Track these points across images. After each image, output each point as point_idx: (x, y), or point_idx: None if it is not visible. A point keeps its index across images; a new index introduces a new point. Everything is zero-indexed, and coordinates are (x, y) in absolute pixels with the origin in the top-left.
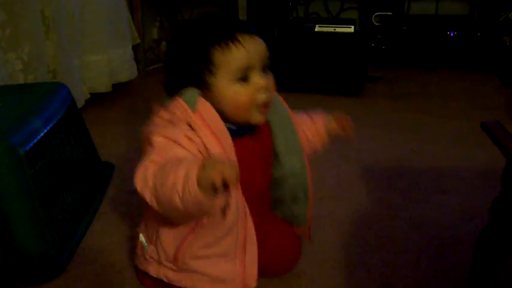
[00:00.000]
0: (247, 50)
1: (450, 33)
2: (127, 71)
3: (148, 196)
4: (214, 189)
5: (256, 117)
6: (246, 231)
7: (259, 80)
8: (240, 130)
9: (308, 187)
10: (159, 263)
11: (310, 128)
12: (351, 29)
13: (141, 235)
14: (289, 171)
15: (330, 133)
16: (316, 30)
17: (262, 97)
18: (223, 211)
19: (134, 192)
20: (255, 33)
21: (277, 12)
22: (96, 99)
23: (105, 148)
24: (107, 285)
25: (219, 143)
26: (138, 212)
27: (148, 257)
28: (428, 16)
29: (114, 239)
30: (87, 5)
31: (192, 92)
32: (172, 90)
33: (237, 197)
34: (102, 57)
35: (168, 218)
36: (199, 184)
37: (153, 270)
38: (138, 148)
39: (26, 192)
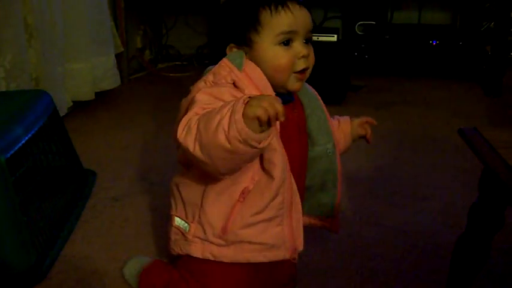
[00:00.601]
0: (295, 17)
1: (432, 42)
2: (110, 79)
3: (191, 143)
4: (261, 125)
5: (294, 84)
6: (292, 191)
7: (301, 47)
8: (281, 96)
9: (337, 174)
10: (204, 240)
11: (337, 130)
12: (334, 38)
13: (176, 218)
14: (322, 150)
15: (355, 137)
16: None
17: (301, 63)
18: (270, 172)
19: (116, 199)
20: (304, 5)
21: None
22: (79, 107)
23: (87, 156)
24: None
25: None
26: (119, 220)
27: (190, 237)
28: (411, 25)
29: (95, 246)
30: (69, 13)
31: (238, 53)
32: (217, 54)
33: (282, 155)
34: (85, 65)
35: (212, 171)
36: (245, 117)
37: (196, 250)
38: (123, 155)
39: (6, 199)
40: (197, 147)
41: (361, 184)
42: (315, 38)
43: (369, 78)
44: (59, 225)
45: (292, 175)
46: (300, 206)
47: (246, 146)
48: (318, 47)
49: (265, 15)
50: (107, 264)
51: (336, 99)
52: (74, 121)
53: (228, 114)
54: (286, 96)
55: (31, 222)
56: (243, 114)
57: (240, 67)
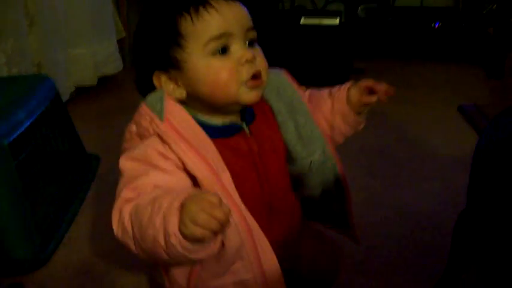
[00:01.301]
0: (222, 16)
1: (435, 25)
2: (112, 64)
3: (132, 246)
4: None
5: (246, 95)
6: (259, 253)
7: (241, 51)
8: (228, 127)
9: (340, 179)
10: None
11: (331, 113)
12: (337, 21)
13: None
14: (305, 164)
15: (359, 110)
16: (301, 22)
17: (247, 70)
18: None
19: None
20: None
21: (263, 5)
22: (81, 93)
23: (90, 141)
24: (91, 274)
25: (199, 156)
26: None
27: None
28: (413, 8)
29: (99, 229)
30: None
31: (157, 94)
32: (143, 86)
33: (234, 219)
34: (87, 50)
35: None
36: (183, 235)
37: None
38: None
39: (10, 183)
40: (140, 252)
41: (362, 165)
42: (316, 22)
43: (371, 62)
44: (62, 209)
45: (259, 230)
46: (274, 263)
47: (195, 255)
48: (320, 30)
49: (186, 24)
50: (110, 246)
51: (339, 83)
52: (77, 106)
53: (162, 234)
54: (234, 126)
55: (35, 206)
56: (180, 232)
57: (161, 115)
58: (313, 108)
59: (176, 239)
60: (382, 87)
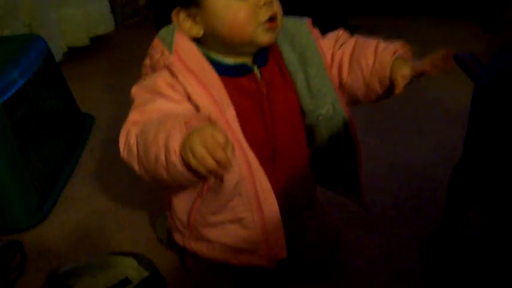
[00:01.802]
0: None
1: None
2: (104, 24)
3: (135, 165)
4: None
5: (262, 36)
6: (257, 191)
7: None
8: (239, 67)
9: (351, 136)
10: (180, 231)
11: (373, 69)
12: None
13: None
14: (313, 118)
15: (403, 75)
16: None
17: (264, 12)
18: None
19: (114, 141)
20: None
21: None
22: (74, 53)
23: (84, 100)
24: (88, 231)
25: (205, 88)
26: (118, 161)
27: (170, 225)
28: None
29: (95, 187)
30: None
31: (169, 28)
32: (161, 24)
33: (238, 149)
34: (79, 10)
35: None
36: (184, 158)
37: (178, 238)
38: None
39: (5, 142)
40: (142, 172)
41: (356, 120)
42: None
43: (365, 18)
44: (58, 168)
45: (261, 169)
46: (274, 207)
47: (192, 181)
48: None
49: None
50: (107, 203)
51: None
52: (70, 67)
53: (163, 152)
54: (246, 67)
55: (31, 165)
56: (180, 155)
57: (170, 48)
58: (354, 58)
59: (176, 157)
60: (438, 64)
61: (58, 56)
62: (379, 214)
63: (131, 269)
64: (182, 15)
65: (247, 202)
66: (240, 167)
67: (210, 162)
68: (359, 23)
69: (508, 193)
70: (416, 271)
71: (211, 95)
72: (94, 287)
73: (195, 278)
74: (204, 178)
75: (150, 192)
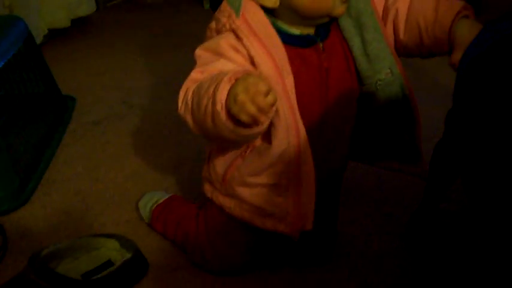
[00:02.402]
0: None
1: None
2: (85, 5)
3: (190, 120)
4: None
5: (339, 8)
6: (300, 162)
7: None
8: (304, 38)
9: (409, 100)
10: (211, 183)
11: (428, 24)
12: None
13: (207, 147)
14: (371, 84)
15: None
16: None
17: None
18: (270, 137)
19: (96, 123)
20: None
21: None
22: (55, 35)
23: (66, 82)
24: (70, 213)
25: (268, 53)
26: (100, 143)
27: (203, 175)
28: None
29: (77, 169)
30: None
31: None
32: None
33: (287, 120)
34: None
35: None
36: (229, 109)
37: (207, 190)
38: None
39: None
40: (195, 128)
41: None
42: None
43: None
44: (40, 150)
45: (307, 141)
46: (313, 174)
47: (237, 136)
48: None
49: None
50: (89, 185)
51: None
52: (51, 49)
53: (211, 101)
54: (312, 38)
55: (12, 147)
56: (226, 105)
57: (238, 12)
58: (412, 16)
59: (220, 107)
60: None
61: (38, 38)
62: (362, 193)
63: (114, 250)
64: None
65: (289, 171)
66: (289, 135)
67: (250, 108)
68: None
69: (489, 173)
70: (398, 249)
71: (274, 60)
72: (76, 269)
73: (209, 232)
74: (247, 137)
75: (133, 174)
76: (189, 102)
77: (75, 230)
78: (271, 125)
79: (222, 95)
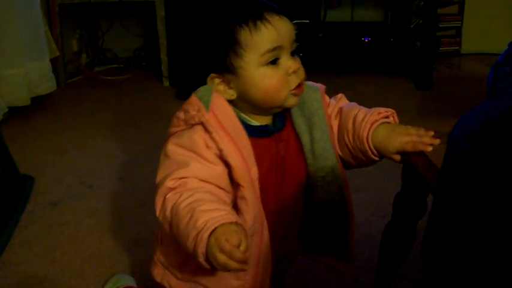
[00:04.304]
0: (277, 30)
1: (365, 39)
2: (46, 83)
3: (168, 230)
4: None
5: (291, 101)
6: (261, 249)
7: (290, 63)
8: (264, 129)
9: (345, 202)
10: (165, 267)
11: (353, 141)
12: None
13: (158, 231)
14: (312, 179)
15: (391, 153)
16: None
17: (294, 79)
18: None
19: (54, 204)
20: (282, 14)
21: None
22: (14, 113)
23: (24, 161)
24: None
25: (235, 146)
26: (58, 224)
27: (156, 259)
28: (344, 23)
29: (34, 251)
30: (0, 18)
31: (207, 88)
32: (197, 80)
33: (255, 208)
34: (19, 70)
35: None
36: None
37: (158, 274)
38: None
39: None
40: (172, 235)
41: None
42: None
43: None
44: None
45: (266, 225)
46: (269, 265)
47: None
48: None
49: (245, 35)
50: (46, 268)
51: None
52: (10, 127)
53: (192, 246)
54: (270, 129)
55: None
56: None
57: (207, 106)
58: (340, 131)
59: (202, 258)
60: (426, 143)
61: None
62: (315, 273)
63: None
64: (217, 81)
65: (251, 255)
66: (255, 222)
67: (232, 266)
68: None
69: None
70: None
71: (241, 152)
72: None
73: None
74: None
75: (91, 256)
76: (168, 219)
77: None
78: (240, 213)
79: (202, 249)
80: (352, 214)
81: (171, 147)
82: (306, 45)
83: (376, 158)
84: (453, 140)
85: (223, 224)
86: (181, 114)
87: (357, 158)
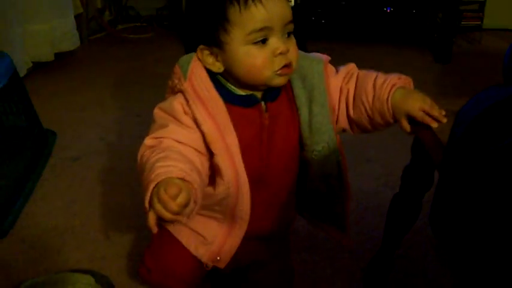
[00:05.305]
0: (268, 11)
1: (387, 9)
2: (69, 40)
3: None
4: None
5: (275, 80)
6: (235, 214)
7: (277, 44)
8: (246, 98)
9: (342, 176)
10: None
11: (373, 105)
12: (292, 2)
13: None
14: (308, 153)
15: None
16: None
17: (279, 61)
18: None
19: (75, 159)
20: None
21: None
22: (38, 68)
23: (47, 116)
24: (47, 247)
25: (209, 115)
26: (79, 178)
27: None
28: None
29: (56, 204)
30: None
31: (187, 58)
32: (190, 48)
33: (228, 175)
34: (44, 26)
35: None
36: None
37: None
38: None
39: None
40: None
41: None
42: None
43: (324, 43)
44: (20, 184)
45: (247, 191)
46: (243, 229)
47: None
48: None
49: (234, 12)
50: (67, 220)
51: None
52: (34, 82)
53: (143, 196)
54: (254, 99)
55: None
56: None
57: (185, 75)
58: (357, 95)
59: (148, 208)
60: (434, 118)
61: (22, 71)
62: (324, 238)
63: (88, 286)
64: (206, 52)
65: (225, 212)
66: (230, 186)
67: (166, 216)
68: (318, 49)
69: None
70: None
71: (215, 121)
72: None
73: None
74: None
75: (110, 211)
76: (139, 173)
77: (52, 264)
78: (216, 176)
79: (147, 199)
80: (349, 187)
81: (156, 111)
82: (329, 12)
83: (392, 120)
84: (459, 122)
85: (170, 178)
86: (170, 82)
87: (373, 121)
